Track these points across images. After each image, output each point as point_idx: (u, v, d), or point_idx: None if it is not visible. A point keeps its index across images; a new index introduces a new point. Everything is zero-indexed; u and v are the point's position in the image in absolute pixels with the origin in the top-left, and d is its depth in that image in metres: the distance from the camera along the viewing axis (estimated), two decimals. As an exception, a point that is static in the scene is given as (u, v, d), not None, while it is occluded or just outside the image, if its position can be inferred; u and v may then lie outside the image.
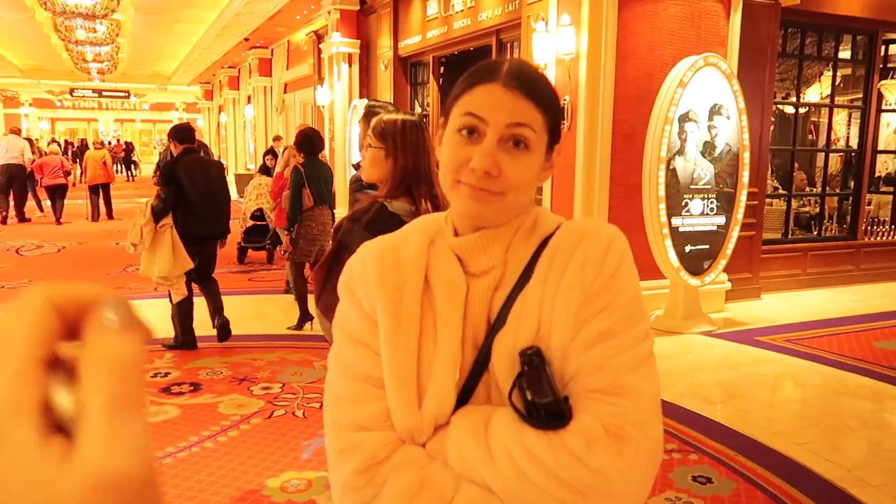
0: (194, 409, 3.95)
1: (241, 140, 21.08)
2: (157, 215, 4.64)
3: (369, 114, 2.59)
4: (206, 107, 29.45)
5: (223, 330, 5.08)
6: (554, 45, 5.78)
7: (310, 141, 5.72)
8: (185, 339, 5.01)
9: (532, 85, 0.90)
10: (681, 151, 5.46)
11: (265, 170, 9.11)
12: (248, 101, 19.79)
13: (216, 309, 5.14)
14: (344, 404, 0.89)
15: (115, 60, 22.16)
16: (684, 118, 5.41)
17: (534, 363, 0.83)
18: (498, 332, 0.88)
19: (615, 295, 0.87)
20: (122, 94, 32.74)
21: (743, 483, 3.10)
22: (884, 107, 7.93)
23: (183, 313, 4.97)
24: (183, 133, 5.07)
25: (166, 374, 4.52)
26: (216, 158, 10.87)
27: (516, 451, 0.79)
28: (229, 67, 22.03)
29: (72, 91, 31.28)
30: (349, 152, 11.19)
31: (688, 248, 5.55)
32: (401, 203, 2.02)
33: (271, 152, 9.75)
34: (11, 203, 12.82)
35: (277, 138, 13.66)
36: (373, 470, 0.83)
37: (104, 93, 32.06)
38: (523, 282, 0.90)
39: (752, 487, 3.07)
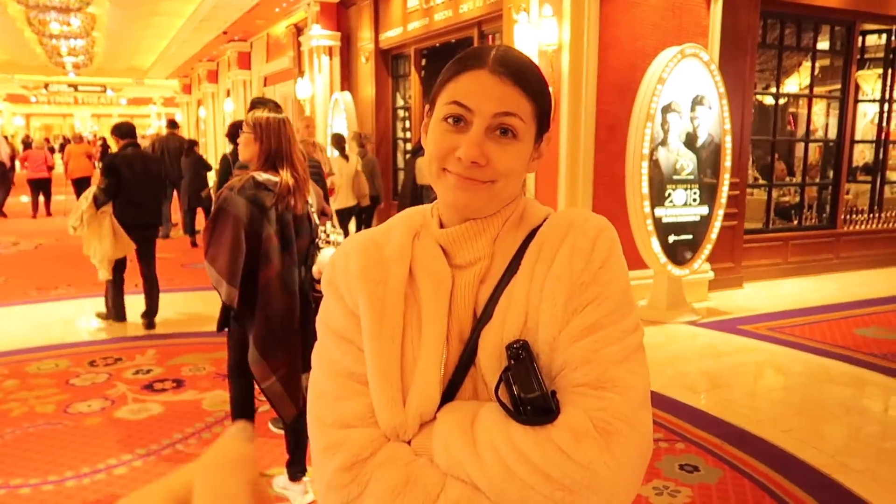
0: (178, 405, 3.89)
1: (220, 135, 20.86)
2: (98, 203, 5.08)
3: (252, 107, 3.09)
4: (184, 101, 29.10)
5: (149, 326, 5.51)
6: (536, 37, 5.76)
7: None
8: (115, 312, 5.55)
9: (520, 72, 0.87)
10: (664, 142, 5.48)
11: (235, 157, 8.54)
12: (228, 95, 19.58)
13: (149, 311, 5.46)
14: (328, 401, 0.87)
15: (91, 54, 21.82)
16: (667, 109, 5.43)
17: (520, 357, 0.81)
18: (484, 326, 0.86)
19: (603, 287, 0.85)
20: (99, 88, 32.27)
21: (729, 471, 3.12)
22: (861, 97, 8.02)
23: (115, 289, 5.50)
24: (124, 130, 5.60)
25: (148, 371, 4.46)
26: (200, 155, 10.47)
27: (503, 447, 0.77)
28: (208, 61, 21.78)
29: (46, 86, 30.77)
30: (331, 145, 11.12)
31: (671, 239, 5.58)
32: (267, 175, 2.61)
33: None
34: None
35: None
36: (357, 467, 0.81)
37: (80, 87, 31.58)
38: (510, 274, 0.88)
39: (739, 475, 3.09)
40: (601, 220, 0.90)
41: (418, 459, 0.82)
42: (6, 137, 16.34)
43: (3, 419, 3.69)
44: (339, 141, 8.22)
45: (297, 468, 2.92)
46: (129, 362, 4.64)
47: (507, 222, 0.91)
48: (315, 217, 2.79)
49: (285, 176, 2.61)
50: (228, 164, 5.65)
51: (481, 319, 0.87)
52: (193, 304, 6.32)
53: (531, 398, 0.78)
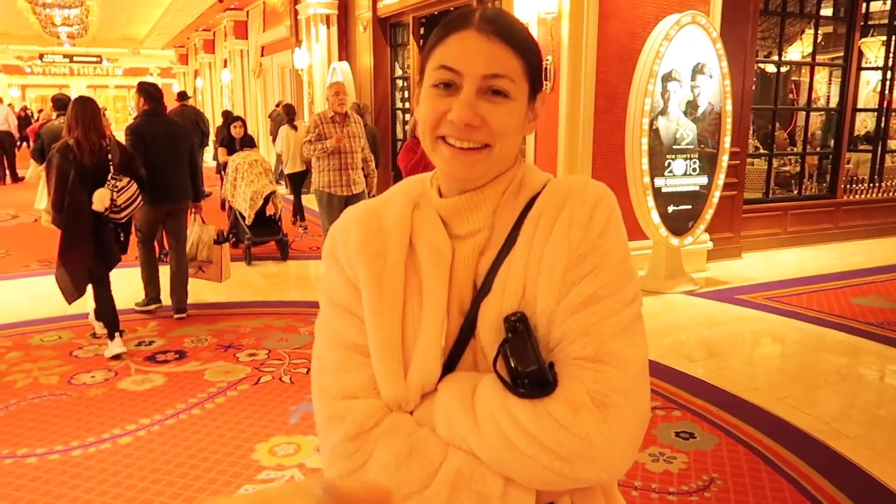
0: (180, 376, 3.94)
1: (217, 105, 20.70)
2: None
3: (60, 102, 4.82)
4: (181, 71, 28.81)
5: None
6: (536, 4, 5.68)
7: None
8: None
9: (508, 30, 0.85)
10: (664, 111, 5.44)
11: (230, 143, 7.75)
12: (225, 65, 19.38)
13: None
14: (331, 372, 0.88)
15: (86, 24, 21.51)
16: (667, 77, 5.38)
17: (518, 330, 0.81)
18: (484, 298, 0.86)
19: (602, 257, 0.84)
20: (94, 59, 31.90)
21: (724, 437, 3.17)
22: (864, 65, 7.94)
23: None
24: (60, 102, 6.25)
25: (150, 343, 4.50)
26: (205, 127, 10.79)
27: (502, 419, 0.78)
28: (204, 30, 21.51)
29: (41, 56, 30.40)
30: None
31: (671, 209, 5.58)
32: (75, 140, 4.03)
33: (238, 120, 8.16)
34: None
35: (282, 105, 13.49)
36: (362, 437, 0.83)
37: (75, 58, 31.20)
38: (509, 244, 0.88)
39: (734, 441, 3.14)
40: (601, 187, 0.89)
41: (421, 430, 0.83)
42: (12, 106, 16.55)
43: (7, 390, 3.74)
44: (289, 111, 9.24)
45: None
46: (132, 334, 4.67)
47: (507, 191, 0.91)
48: (111, 166, 4.16)
49: (75, 140, 4.04)
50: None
51: (481, 291, 0.87)
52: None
53: (529, 372, 0.79)
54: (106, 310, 4.29)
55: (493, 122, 0.84)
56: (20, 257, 7.10)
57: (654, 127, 5.39)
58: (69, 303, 4.26)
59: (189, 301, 5.17)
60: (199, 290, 5.80)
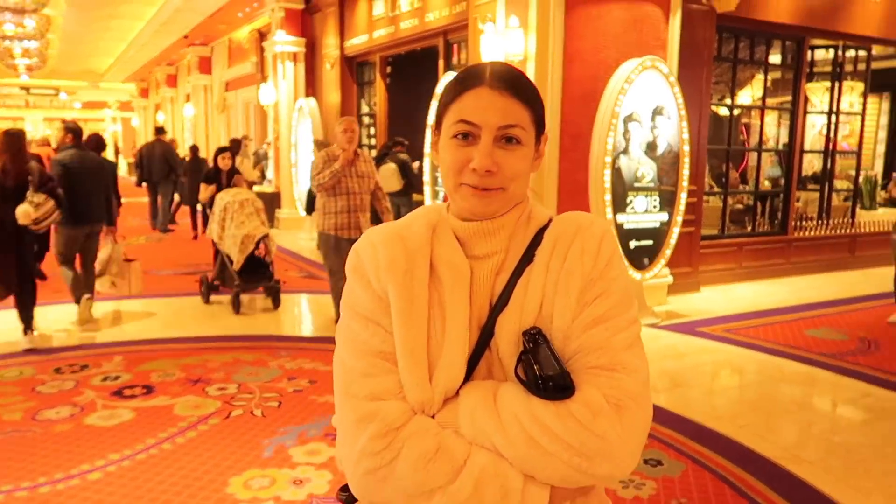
0: (149, 411, 3.89)
1: (181, 140, 20.60)
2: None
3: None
4: (141, 105, 28.59)
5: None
6: (503, 47, 5.90)
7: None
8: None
9: (516, 83, 0.98)
10: (625, 151, 5.66)
11: (216, 176, 6.86)
12: (188, 100, 19.33)
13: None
14: (357, 377, 0.96)
15: (45, 56, 21.29)
16: (628, 118, 5.61)
17: (538, 341, 0.92)
18: (501, 313, 0.97)
19: (609, 282, 0.97)
20: (52, 91, 31.45)
21: (691, 464, 3.28)
22: (809, 109, 8.38)
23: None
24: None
25: (117, 378, 4.43)
26: (202, 159, 11.06)
27: (526, 419, 0.88)
28: (167, 65, 21.48)
29: (-4, 88, 29.87)
30: (296, 152, 11.12)
31: (633, 244, 5.77)
32: (1, 165, 4.77)
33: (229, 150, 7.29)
34: None
35: (245, 137, 13.75)
36: (391, 435, 0.90)
37: (32, 90, 30.73)
38: (523, 266, 0.99)
39: (700, 468, 3.24)
40: (604, 223, 1.03)
41: (445, 430, 0.92)
42: None
43: (-31, 427, 3.64)
44: (234, 145, 9.38)
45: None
46: (96, 369, 4.59)
47: (519, 220, 1.02)
48: (31, 186, 4.82)
49: (2, 165, 4.77)
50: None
51: (497, 307, 0.97)
52: (159, 309, 6.27)
53: (551, 376, 0.89)
54: (25, 308, 5.03)
55: (508, 168, 0.96)
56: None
57: (616, 165, 5.60)
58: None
59: (154, 336, 5.13)
60: (164, 325, 5.75)
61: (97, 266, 5.87)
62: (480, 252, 1.01)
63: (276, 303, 6.27)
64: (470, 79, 0.98)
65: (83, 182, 5.57)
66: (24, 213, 4.75)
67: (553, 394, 0.89)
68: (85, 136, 6.40)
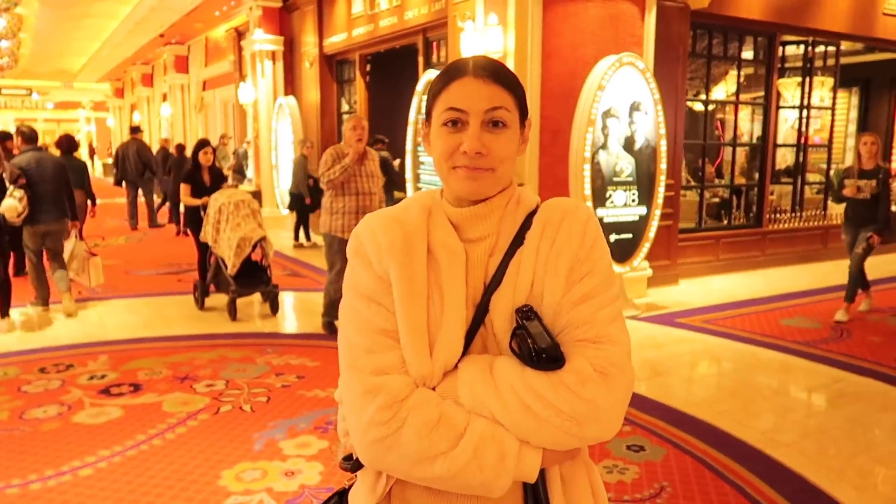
0: (137, 408, 3.91)
1: (156, 141, 20.41)
2: None
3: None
4: (116, 105, 28.26)
5: None
6: (482, 44, 5.97)
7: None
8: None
9: (498, 71, 1.06)
10: (604, 146, 5.77)
11: (196, 173, 6.34)
12: (165, 99, 19.17)
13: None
14: (362, 354, 1.03)
15: (16, 56, 20.94)
16: (607, 114, 5.72)
17: (530, 317, 1.00)
18: (495, 292, 1.04)
19: (594, 262, 1.05)
20: (24, 91, 30.95)
21: (672, 449, 3.38)
22: (781, 104, 8.56)
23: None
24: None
25: (103, 377, 4.43)
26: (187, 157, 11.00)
27: (521, 388, 0.96)
28: (142, 64, 21.27)
29: (-34, 88, 29.33)
30: (276, 151, 11.11)
31: (612, 238, 5.87)
32: None
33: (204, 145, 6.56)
34: None
35: (224, 136, 13.73)
36: (396, 406, 0.97)
37: (3, 90, 30.22)
38: (514, 247, 1.06)
39: (681, 452, 3.34)
40: (588, 209, 1.11)
41: (446, 401, 0.99)
42: None
43: (-44, 427, 3.64)
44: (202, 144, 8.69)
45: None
46: (82, 368, 4.59)
47: (509, 204, 1.09)
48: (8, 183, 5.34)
49: None
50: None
51: (491, 286, 1.05)
52: (142, 309, 6.26)
53: (544, 348, 0.97)
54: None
55: (496, 149, 1.04)
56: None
57: (595, 160, 5.70)
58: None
59: (139, 335, 5.14)
60: (149, 324, 5.74)
61: (65, 258, 6.11)
62: (473, 235, 1.08)
63: (275, 308, 6.00)
64: (455, 71, 1.06)
65: (40, 183, 5.70)
66: (12, 207, 5.21)
67: (546, 365, 0.97)
68: (56, 137, 6.90)
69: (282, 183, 10.98)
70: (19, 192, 5.35)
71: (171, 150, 11.96)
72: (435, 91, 1.08)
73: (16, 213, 5.30)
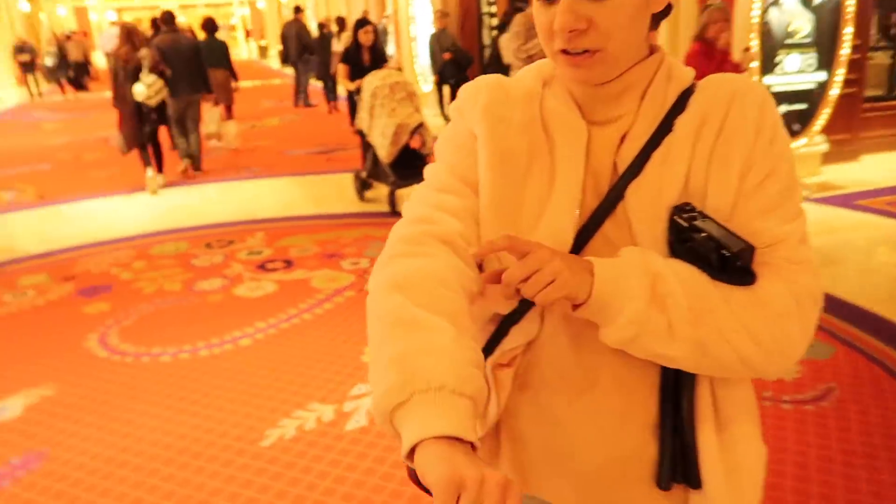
0: (289, 284, 4.13)
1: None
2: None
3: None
4: (264, -14, 28.73)
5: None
6: None
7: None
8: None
9: None
10: (775, 2, 5.01)
11: (356, 53, 6.00)
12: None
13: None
14: (432, 191, 0.88)
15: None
16: (785, -37, 4.92)
17: (703, 217, 0.78)
18: (632, 182, 0.83)
19: (777, 160, 0.81)
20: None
21: (841, 347, 3.06)
22: None
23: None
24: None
25: (259, 252, 4.72)
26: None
27: (716, 300, 0.77)
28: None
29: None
30: (415, 24, 10.80)
31: (782, 110, 5.22)
32: (125, 53, 6.38)
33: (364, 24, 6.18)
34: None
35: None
36: (421, 249, 0.80)
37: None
38: (661, 134, 0.83)
39: (852, 350, 3.02)
40: (764, 89, 0.85)
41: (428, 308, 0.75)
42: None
43: (138, 296, 4.05)
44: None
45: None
46: (241, 244, 4.91)
47: (655, 78, 0.86)
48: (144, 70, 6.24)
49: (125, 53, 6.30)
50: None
51: (626, 175, 0.83)
52: (293, 189, 6.54)
53: (737, 253, 0.76)
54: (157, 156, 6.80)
55: (602, 21, 0.77)
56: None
57: (764, 19, 4.98)
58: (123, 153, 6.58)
59: (290, 213, 5.37)
60: (300, 203, 6.00)
61: (212, 127, 7.67)
62: (601, 117, 0.86)
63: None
64: None
65: (177, 61, 6.68)
66: (141, 92, 6.16)
67: (737, 276, 0.78)
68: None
69: (421, 58, 10.78)
70: (150, 78, 6.20)
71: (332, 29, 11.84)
72: None
73: (145, 97, 6.17)
